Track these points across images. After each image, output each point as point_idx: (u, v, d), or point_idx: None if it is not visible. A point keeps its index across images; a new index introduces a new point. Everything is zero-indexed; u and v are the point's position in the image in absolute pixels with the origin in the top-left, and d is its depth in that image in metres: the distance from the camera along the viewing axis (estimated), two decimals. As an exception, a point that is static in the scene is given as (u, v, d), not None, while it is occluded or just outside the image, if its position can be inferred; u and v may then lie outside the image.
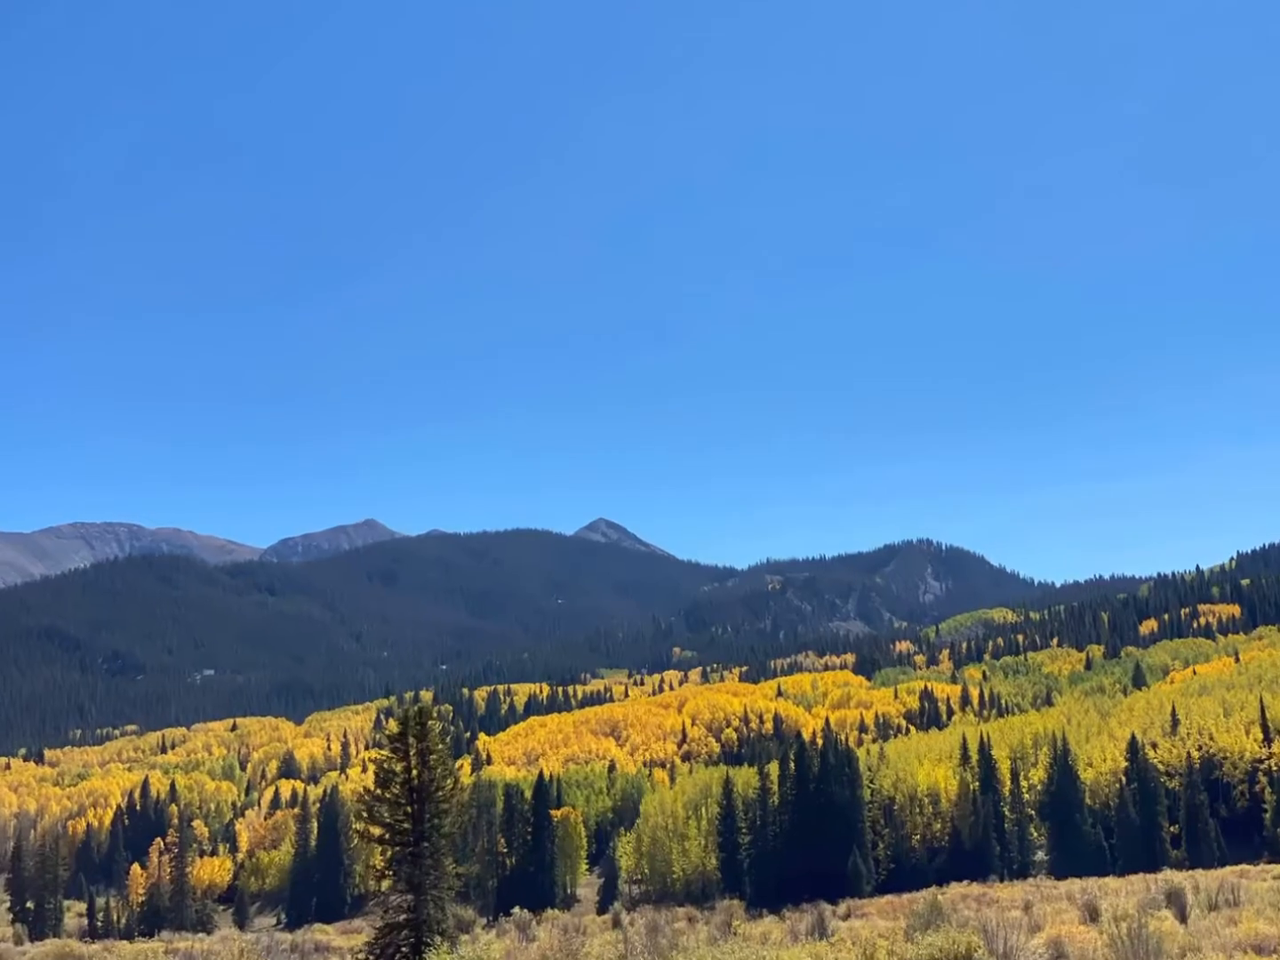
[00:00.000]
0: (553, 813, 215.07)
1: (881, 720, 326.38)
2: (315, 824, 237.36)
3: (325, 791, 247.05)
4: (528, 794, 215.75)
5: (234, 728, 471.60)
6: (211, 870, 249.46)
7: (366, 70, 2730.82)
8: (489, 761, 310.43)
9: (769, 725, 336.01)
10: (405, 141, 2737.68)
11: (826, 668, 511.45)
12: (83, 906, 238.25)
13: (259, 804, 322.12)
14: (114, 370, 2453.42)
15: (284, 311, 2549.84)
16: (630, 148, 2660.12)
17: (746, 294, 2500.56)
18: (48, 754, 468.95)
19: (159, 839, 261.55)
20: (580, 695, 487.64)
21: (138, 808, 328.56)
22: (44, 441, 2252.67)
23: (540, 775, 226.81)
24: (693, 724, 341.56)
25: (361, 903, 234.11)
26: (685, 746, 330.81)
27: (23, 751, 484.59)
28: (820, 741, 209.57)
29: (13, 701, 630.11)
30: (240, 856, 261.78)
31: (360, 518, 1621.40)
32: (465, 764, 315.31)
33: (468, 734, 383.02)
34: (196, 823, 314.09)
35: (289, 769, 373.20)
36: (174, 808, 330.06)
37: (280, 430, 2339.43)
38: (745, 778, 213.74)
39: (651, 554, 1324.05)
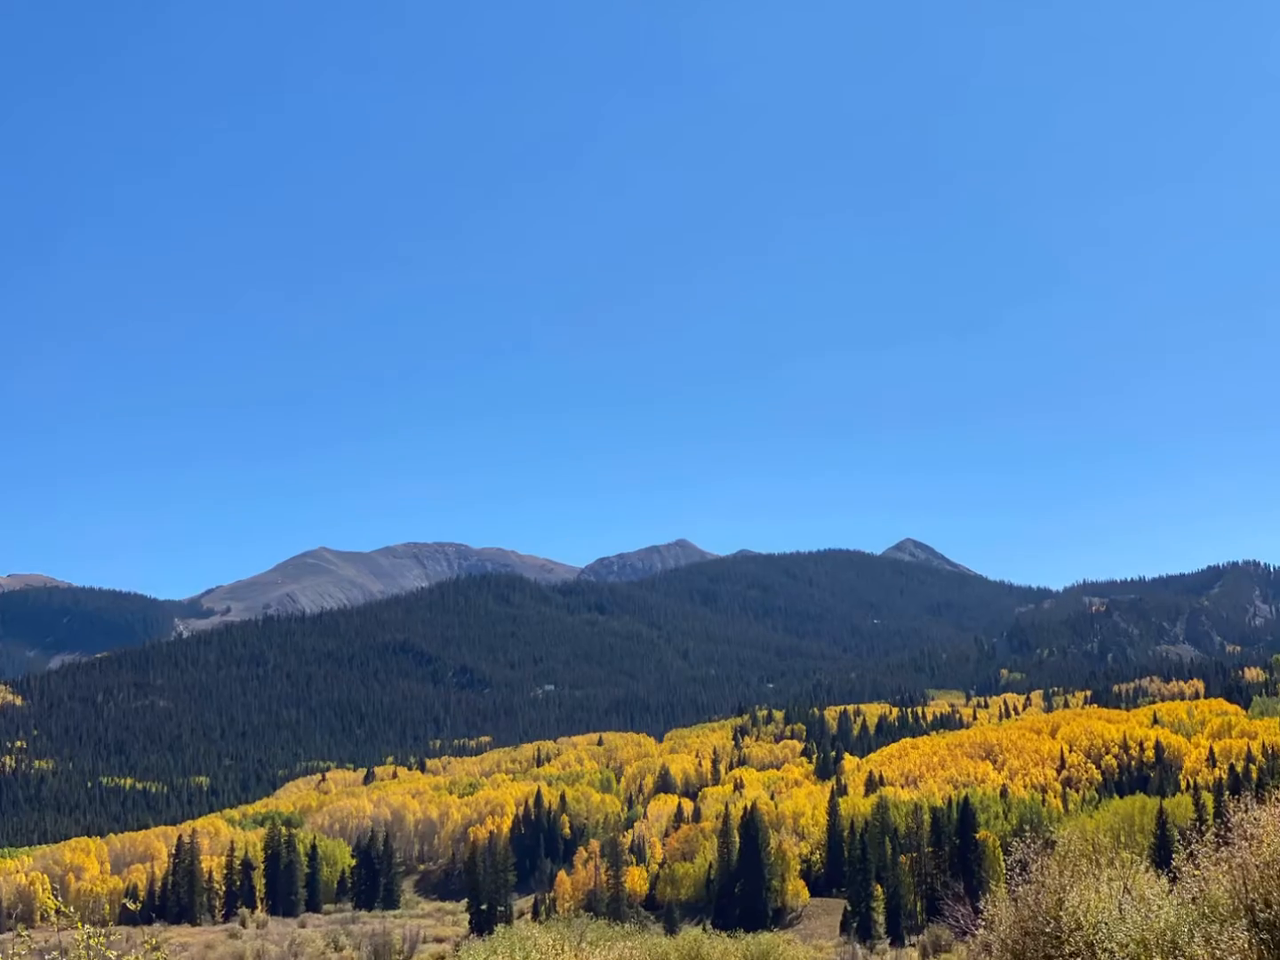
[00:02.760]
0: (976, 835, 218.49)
1: (1271, 752, 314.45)
2: (736, 838, 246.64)
3: (745, 808, 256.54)
4: (928, 817, 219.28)
5: (600, 742, 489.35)
6: (633, 879, 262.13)
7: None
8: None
9: (1149, 753, 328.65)
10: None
11: (1176, 695, 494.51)
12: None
13: (646, 816, 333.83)
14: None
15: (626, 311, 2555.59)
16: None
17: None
18: (428, 763, 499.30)
19: (581, 848, 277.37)
20: (929, 717, 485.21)
21: (532, 817, 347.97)
22: (380, 468, 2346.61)
23: (965, 799, 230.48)
24: (1070, 750, 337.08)
25: (781, 915, 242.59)
26: (1064, 773, 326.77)
27: (411, 759, 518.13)
28: (1220, 772, 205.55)
29: (376, 712, 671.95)
30: (654, 868, 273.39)
31: (672, 538, 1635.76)
32: (830, 785, 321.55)
33: (833, 753, 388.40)
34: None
35: (665, 783, 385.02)
36: (565, 818, 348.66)
37: (593, 447, 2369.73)
38: (1177, 807, 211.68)
39: (961, 574, 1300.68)
